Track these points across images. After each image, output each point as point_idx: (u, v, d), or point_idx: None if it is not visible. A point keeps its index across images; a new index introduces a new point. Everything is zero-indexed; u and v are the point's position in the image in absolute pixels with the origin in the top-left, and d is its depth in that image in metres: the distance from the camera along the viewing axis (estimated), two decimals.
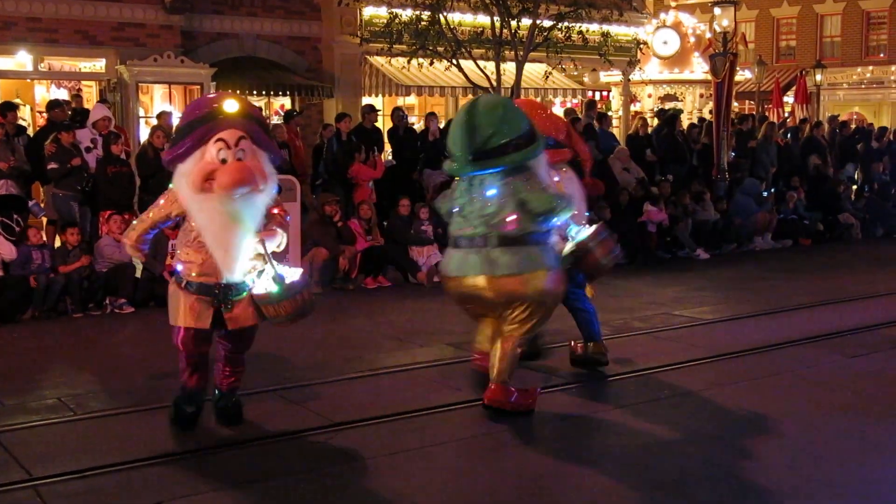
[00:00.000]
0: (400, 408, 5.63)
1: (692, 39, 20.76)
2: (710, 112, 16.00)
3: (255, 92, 15.34)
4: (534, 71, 16.74)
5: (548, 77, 15.87)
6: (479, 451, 5.01)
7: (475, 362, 5.86)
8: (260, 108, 5.88)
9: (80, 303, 8.69)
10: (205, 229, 4.78)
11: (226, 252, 4.78)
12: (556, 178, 5.88)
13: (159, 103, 14.70)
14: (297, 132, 12.93)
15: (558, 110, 16.54)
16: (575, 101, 18.55)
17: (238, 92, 15.30)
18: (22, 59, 13.90)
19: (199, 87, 14.16)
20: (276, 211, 5.00)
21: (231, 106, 4.75)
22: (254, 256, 4.91)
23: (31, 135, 11.30)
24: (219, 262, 4.81)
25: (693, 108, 20.37)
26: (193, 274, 4.88)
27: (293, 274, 4.94)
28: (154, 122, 12.76)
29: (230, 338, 5.12)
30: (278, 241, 4.98)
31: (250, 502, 4.32)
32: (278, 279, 4.85)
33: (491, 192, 5.29)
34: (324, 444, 5.07)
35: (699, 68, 20.26)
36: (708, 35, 20.23)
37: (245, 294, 4.97)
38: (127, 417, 5.56)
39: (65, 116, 10.97)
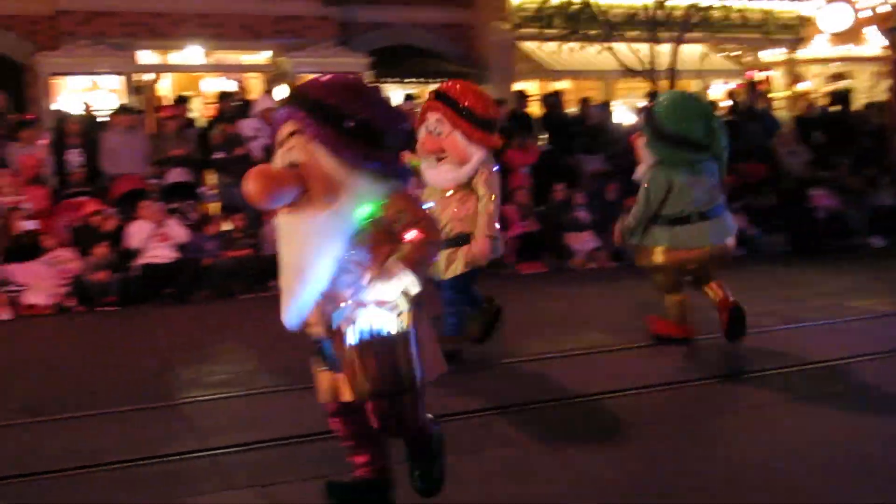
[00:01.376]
0: (561, 393, 5.62)
1: (866, 13, 19.60)
2: (888, 90, 15.08)
3: (411, 79, 15.64)
4: (690, 53, 16.27)
5: (705, 58, 15.39)
6: (653, 436, 4.91)
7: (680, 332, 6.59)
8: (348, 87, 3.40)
9: (247, 285, 9.10)
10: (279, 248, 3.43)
11: (286, 287, 3.34)
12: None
13: None
14: None
15: (718, 92, 16.01)
16: (735, 82, 17.91)
17: (393, 80, 15.81)
18: (192, 54, 14.70)
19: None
20: (409, 237, 3.29)
21: (280, 90, 3.51)
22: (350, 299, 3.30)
23: (202, 125, 11.93)
24: (284, 295, 3.33)
25: (866, 86, 19.24)
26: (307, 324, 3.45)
27: (388, 323, 3.30)
28: None
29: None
30: (397, 287, 3.21)
31: None
32: (388, 310, 3.28)
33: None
34: (487, 426, 5.10)
35: (874, 44, 19.11)
36: (886, 8, 19.03)
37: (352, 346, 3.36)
38: (297, 394, 5.75)
39: (232, 107, 11.52)
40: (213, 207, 10.40)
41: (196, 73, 15.30)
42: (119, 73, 13.75)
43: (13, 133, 10.22)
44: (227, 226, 9.68)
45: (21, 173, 10.02)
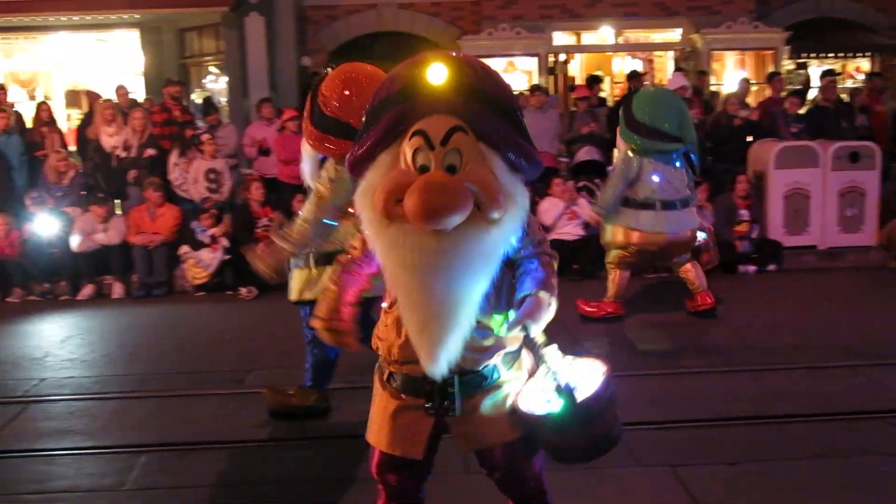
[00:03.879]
0: None
1: None
2: None
3: (830, 54, 14.64)
4: None
5: None
6: None
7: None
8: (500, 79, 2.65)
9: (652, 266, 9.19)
10: (394, 284, 2.64)
11: (422, 325, 2.59)
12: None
13: (731, 70, 14.81)
14: (877, 96, 12.08)
15: None
16: None
17: (811, 55, 14.90)
18: (603, 34, 15.06)
19: (771, 52, 13.97)
20: (536, 256, 2.72)
21: (437, 74, 2.53)
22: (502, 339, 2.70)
23: (611, 105, 12.22)
24: (413, 342, 2.62)
25: None
26: (393, 359, 2.76)
27: (588, 379, 2.64)
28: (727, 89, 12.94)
29: (483, 465, 2.93)
30: (544, 319, 2.65)
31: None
32: (564, 391, 2.59)
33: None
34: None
35: None
36: None
37: (489, 389, 2.75)
38: (722, 376, 5.78)
39: (641, 87, 11.64)
40: None
41: (607, 53, 15.63)
42: (534, 55, 14.48)
43: None
44: None
45: None
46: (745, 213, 9.50)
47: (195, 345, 6.81)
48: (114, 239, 9.47)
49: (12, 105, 11.59)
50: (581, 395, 2.58)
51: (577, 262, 9.25)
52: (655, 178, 6.91)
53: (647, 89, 9.70)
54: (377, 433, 2.85)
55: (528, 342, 2.72)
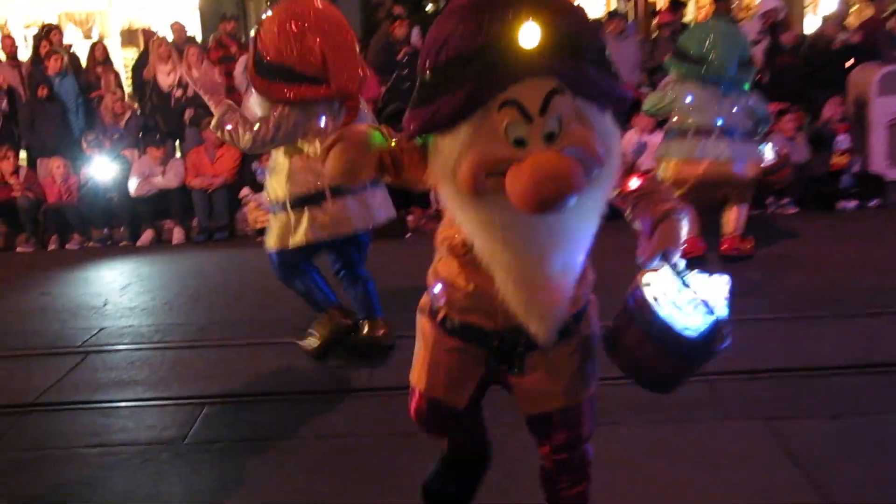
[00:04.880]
0: None
1: None
2: None
3: None
4: None
5: None
6: None
7: None
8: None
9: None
10: (488, 258, 2.43)
11: (528, 301, 2.45)
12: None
13: None
14: None
15: None
16: None
17: None
18: None
19: None
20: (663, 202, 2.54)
21: (531, 33, 2.16)
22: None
23: None
24: (518, 315, 2.47)
25: None
26: (458, 306, 2.62)
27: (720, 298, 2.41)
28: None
29: (532, 427, 2.80)
30: (680, 244, 2.48)
31: None
32: (705, 308, 2.35)
33: None
34: None
35: None
36: None
37: (560, 346, 2.58)
38: (831, 321, 5.57)
39: (728, 9, 11.19)
40: None
41: None
42: None
43: None
44: None
45: None
46: (843, 140, 9.11)
47: (257, 291, 6.81)
48: (172, 182, 9.54)
49: (69, 46, 11.69)
50: (720, 310, 2.36)
51: None
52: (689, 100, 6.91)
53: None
54: (419, 373, 2.75)
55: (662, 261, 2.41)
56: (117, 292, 7.34)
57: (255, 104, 4.89)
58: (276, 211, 5.00)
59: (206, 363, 5.46)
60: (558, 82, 2.19)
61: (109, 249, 9.29)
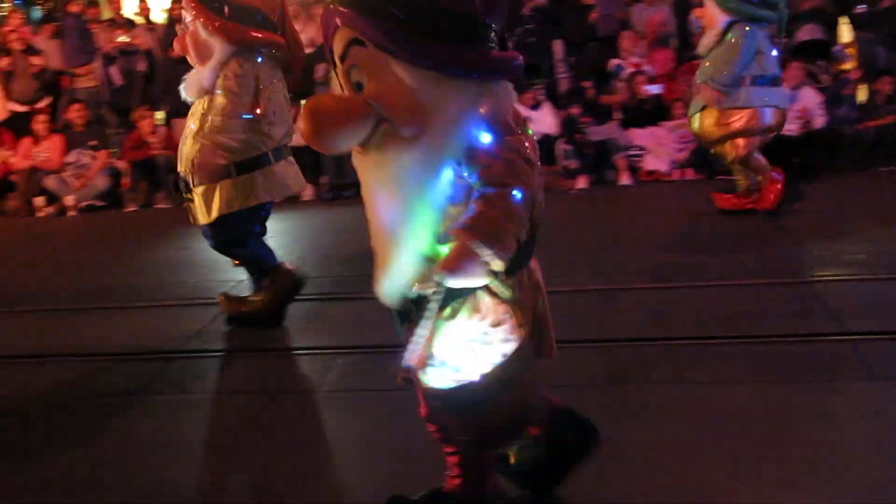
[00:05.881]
0: None
1: None
2: None
3: None
4: None
5: None
6: None
7: None
8: None
9: (889, 157, 8.56)
10: None
11: (377, 253, 2.57)
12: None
13: None
14: None
15: None
16: None
17: None
18: None
19: None
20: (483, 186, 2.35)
21: None
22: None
23: None
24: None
25: None
26: None
27: (479, 363, 2.51)
28: None
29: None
30: (466, 271, 2.31)
31: None
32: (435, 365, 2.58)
33: None
34: None
35: None
36: None
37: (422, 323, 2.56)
38: None
39: None
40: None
41: None
42: None
43: None
44: (864, 92, 9.16)
45: (645, 35, 10.57)
46: None
47: None
48: (301, 140, 9.76)
49: None
50: (456, 376, 2.51)
51: (800, 156, 8.71)
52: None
53: None
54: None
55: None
56: None
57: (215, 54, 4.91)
58: (220, 175, 4.98)
59: (339, 315, 5.64)
60: (355, 33, 2.34)
61: None
